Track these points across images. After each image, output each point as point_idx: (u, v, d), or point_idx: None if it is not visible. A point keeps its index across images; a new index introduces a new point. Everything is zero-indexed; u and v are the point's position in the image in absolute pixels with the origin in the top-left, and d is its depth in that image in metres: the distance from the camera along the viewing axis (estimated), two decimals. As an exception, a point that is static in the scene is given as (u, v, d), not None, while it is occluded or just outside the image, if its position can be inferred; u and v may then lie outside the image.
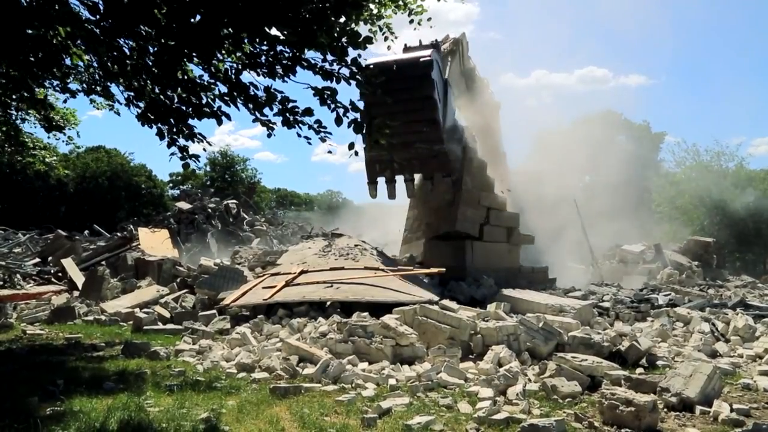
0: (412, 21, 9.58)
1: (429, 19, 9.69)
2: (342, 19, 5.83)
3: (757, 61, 78.65)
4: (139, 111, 6.25)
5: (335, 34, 5.54)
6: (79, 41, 6.26)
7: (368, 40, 5.74)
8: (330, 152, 6.39)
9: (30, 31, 5.97)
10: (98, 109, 10.62)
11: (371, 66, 12.81)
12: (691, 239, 23.51)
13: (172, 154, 6.00)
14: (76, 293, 13.67)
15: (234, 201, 26.86)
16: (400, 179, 13.49)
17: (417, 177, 13.67)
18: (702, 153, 34.26)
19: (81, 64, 7.72)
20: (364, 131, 6.00)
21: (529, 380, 6.27)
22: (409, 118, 12.39)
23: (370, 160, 12.99)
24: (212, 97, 6.20)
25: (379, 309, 8.76)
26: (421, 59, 12.82)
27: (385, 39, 9.59)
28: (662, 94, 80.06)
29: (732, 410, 5.15)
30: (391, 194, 13.64)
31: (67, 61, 7.15)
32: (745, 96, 75.96)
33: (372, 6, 8.66)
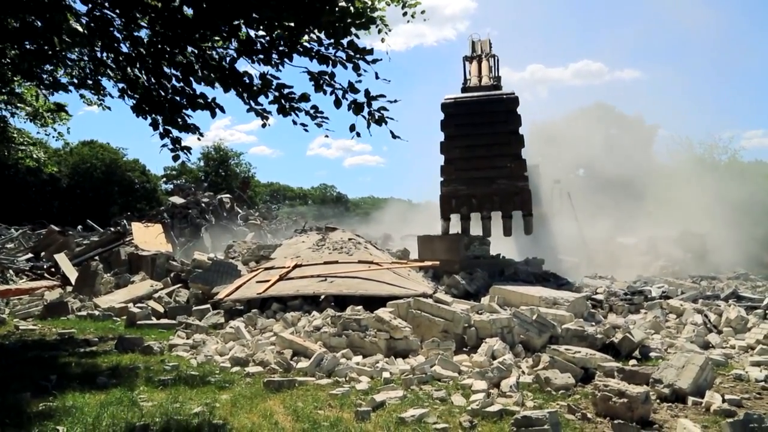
0: (405, 14, 9.53)
1: (423, 12, 9.65)
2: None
3: (750, 54, 78.98)
4: (134, 102, 6.17)
5: (338, 14, 5.45)
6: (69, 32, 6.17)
7: (372, 20, 5.68)
8: (327, 136, 6.35)
9: (16, 24, 5.89)
10: (88, 105, 10.52)
11: (451, 100, 12.54)
12: (684, 231, 23.60)
13: (164, 146, 5.92)
14: (69, 288, 13.61)
15: (228, 195, 26.82)
16: (475, 216, 12.73)
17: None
18: (695, 145, 34.47)
19: (72, 56, 7.63)
20: (363, 112, 5.87)
21: (523, 372, 6.29)
22: (492, 152, 12.09)
23: (446, 195, 12.37)
24: (206, 83, 6.10)
25: (373, 302, 8.76)
26: (507, 96, 12.71)
27: (379, 32, 9.53)
28: (656, 87, 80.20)
29: (724, 401, 5.18)
30: (466, 233, 12.80)
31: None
32: (738, 89, 76.24)
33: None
